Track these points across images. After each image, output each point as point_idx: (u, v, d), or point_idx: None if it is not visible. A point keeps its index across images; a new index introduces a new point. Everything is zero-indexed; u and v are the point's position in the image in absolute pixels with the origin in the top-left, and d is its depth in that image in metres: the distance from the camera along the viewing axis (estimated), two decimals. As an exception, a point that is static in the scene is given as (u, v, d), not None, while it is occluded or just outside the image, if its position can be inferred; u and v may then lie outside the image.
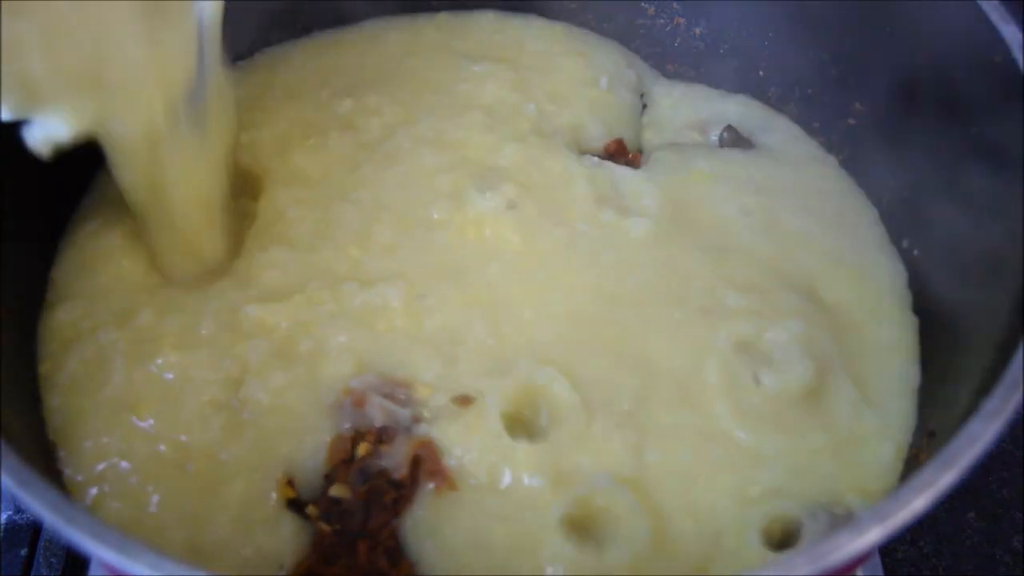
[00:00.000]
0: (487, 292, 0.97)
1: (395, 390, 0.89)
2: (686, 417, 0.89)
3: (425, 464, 0.85)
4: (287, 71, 1.20)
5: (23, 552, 0.97)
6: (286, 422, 0.88)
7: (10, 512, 0.99)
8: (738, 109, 1.19)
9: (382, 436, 0.87)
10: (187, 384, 0.89)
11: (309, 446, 0.87)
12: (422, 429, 0.87)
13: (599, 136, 1.14)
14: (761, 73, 1.19)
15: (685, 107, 1.20)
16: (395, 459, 0.85)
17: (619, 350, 0.93)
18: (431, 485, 0.84)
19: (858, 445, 0.89)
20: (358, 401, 0.88)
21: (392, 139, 1.09)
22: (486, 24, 1.25)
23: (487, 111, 1.12)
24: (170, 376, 0.89)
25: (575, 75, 1.19)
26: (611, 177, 1.07)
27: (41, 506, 0.64)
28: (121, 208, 0.97)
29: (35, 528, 0.99)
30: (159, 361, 0.90)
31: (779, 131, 1.17)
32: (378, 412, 0.88)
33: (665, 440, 0.87)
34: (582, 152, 1.11)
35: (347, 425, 0.88)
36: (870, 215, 1.08)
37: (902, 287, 1.01)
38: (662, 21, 1.24)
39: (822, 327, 0.95)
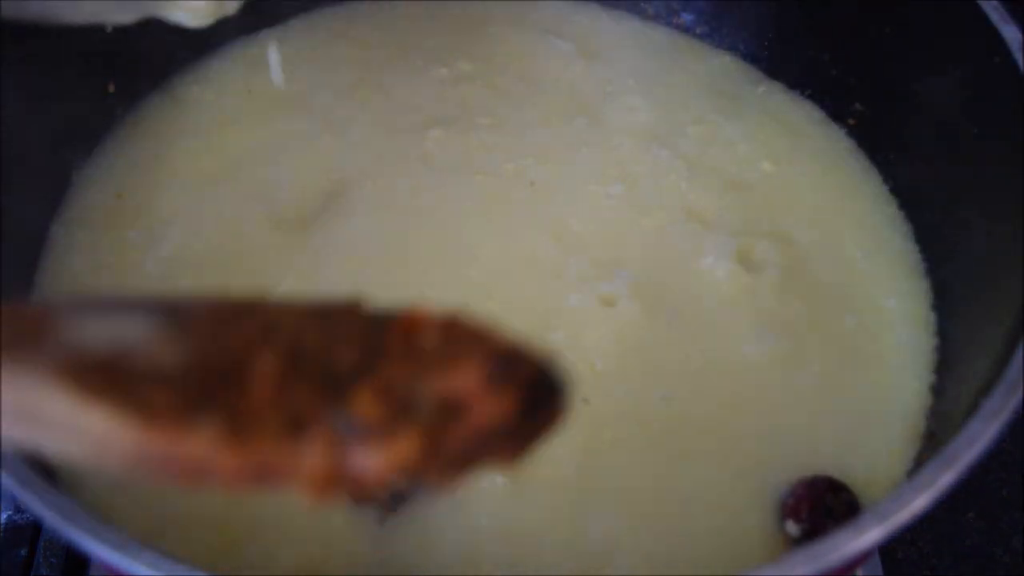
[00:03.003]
0: None
1: None
2: None
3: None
4: (363, 33, 1.17)
5: (23, 552, 0.97)
6: None
7: (10, 512, 0.99)
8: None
9: None
10: None
11: None
12: None
13: None
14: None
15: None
16: None
17: None
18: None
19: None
20: None
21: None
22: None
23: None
24: None
25: None
26: None
27: (41, 506, 0.63)
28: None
29: (35, 528, 0.99)
30: None
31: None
32: None
33: None
34: None
35: None
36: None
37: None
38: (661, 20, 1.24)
39: None
